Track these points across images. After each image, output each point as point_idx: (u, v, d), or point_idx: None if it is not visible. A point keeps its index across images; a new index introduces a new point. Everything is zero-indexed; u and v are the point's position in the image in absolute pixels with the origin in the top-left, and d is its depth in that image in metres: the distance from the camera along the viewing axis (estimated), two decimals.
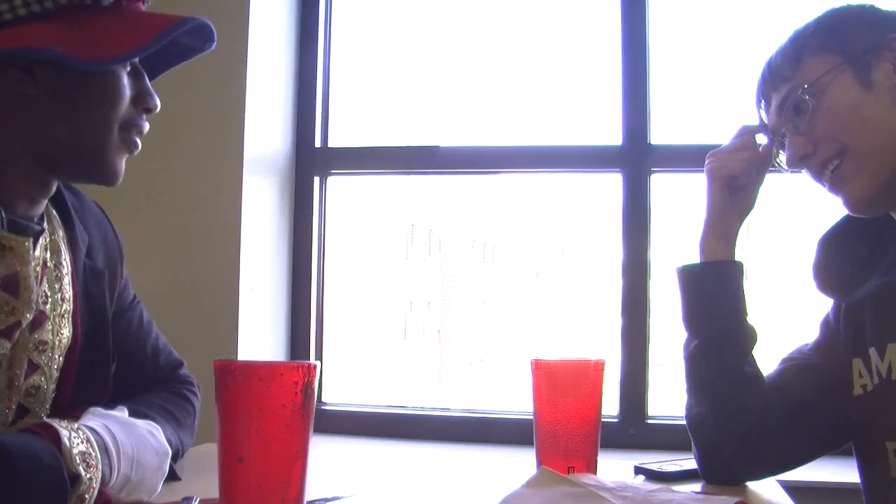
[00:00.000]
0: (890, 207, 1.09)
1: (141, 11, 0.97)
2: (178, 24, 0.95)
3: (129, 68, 0.99)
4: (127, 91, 0.99)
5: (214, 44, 1.04)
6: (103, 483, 0.86)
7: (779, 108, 1.10)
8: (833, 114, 1.05)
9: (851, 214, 1.11)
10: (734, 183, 1.18)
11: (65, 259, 1.05)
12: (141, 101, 1.01)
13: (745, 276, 1.18)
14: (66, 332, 1.04)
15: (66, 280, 1.05)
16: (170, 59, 1.07)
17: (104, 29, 0.92)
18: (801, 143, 1.08)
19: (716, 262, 1.17)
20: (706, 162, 1.20)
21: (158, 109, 1.03)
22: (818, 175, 1.10)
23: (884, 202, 1.08)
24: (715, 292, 1.16)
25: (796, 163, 1.10)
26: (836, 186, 1.08)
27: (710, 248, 1.18)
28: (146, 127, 1.03)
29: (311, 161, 2.17)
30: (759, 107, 1.16)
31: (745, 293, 1.17)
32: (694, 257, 1.20)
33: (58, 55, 0.89)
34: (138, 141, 1.03)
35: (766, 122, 1.15)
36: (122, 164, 1.02)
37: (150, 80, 1.07)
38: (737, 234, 1.19)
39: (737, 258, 1.19)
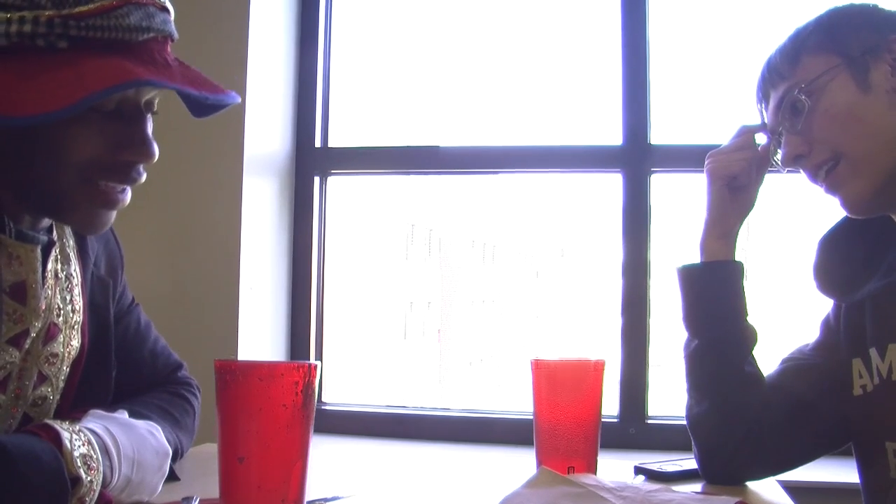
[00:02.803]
0: (888, 209, 1.09)
1: (105, 62, 0.85)
2: (126, 84, 0.85)
3: (109, 112, 0.89)
4: (92, 140, 0.89)
5: (214, 98, 0.93)
6: (104, 485, 0.86)
7: (776, 107, 1.10)
8: (830, 116, 1.05)
9: (849, 216, 1.11)
10: (734, 183, 1.18)
11: (75, 270, 1.05)
12: (123, 151, 0.91)
13: (745, 276, 1.18)
14: (76, 342, 1.04)
15: (77, 291, 1.04)
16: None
17: (47, 80, 0.83)
18: (797, 142, 1.08)
19: (716, 262, 1.17)
20: (706, 162, 1.20)
21: (153, 159, 0.92)
22: (813, 176, 1.10)
23: (881, 204, 1.08)
24: (715, 292, 1.16)
25: (791, 162, 1.10)
26: (832, 188, 1.08)
27: (711, 247, 1.18)
28: (133, 179, 0.93)
29: (311, 161, 2.17)
30: (758, 104, 1.16)
31: (745, 293, 1.17)
32: (694, 257, 1.20)
33: None
34: (118, 196, 0.93)
35: (766, 120, 1.15)
36: (98, 217, 0.93)
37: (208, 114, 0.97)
38: (737, 233, 1.20)
39: (737, 258, 1.19)
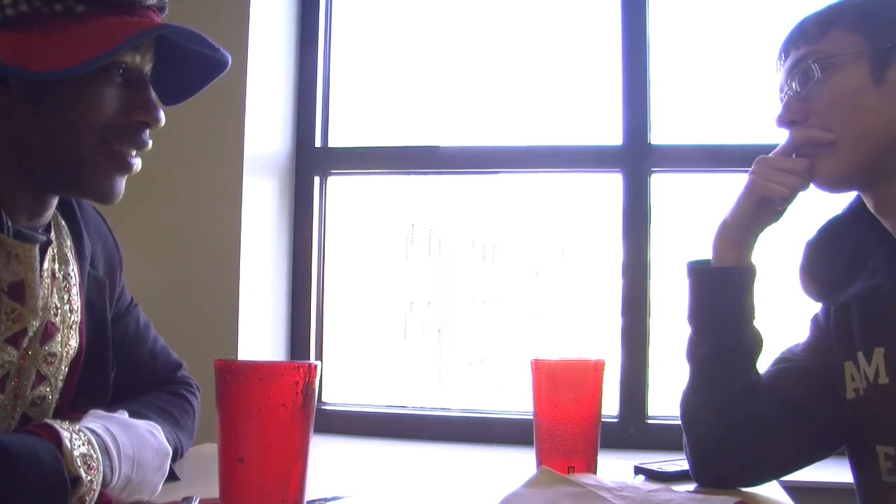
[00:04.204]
0: (857, 188, 1.10)
1: (119, 19, 0.91)
2: (145, 32, 0.91)
3: (119, 78, 0.94)
4: (107, 101, 0.93)
5: (220, 52, 1.00)
6: (104, 484, 0.86)
7: (790, 67, 1.10)
8: (834, 95, 1.05)
9: (818, 189, 1.10)
10: (766, 204, 1.12)
11: (73, 269, 1.05)
12: (135, 113, 0.95)
13: (755, 279, 1.14)
14: (74, 342, 1.04)
15: (75, 290, 1.04)
16: (196, 75, 1.03)
17: (68, 38, 0.88)
18: (797, 108, 1.08)
19: (729, 267, 1.13)
20: (753, 167, 1.13)
21: (161, 124, 0.97)
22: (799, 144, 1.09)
23: (851, 184, 1.09)
24: (725, 298, 1.13)
25: (784, 124, 1.10)
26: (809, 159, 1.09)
27: (724, 251, 1.14)
28: (143, 142, 0.97)
29: (311, 161, 2.17)
30: (778, 59, 1.14)
31: (755, 298, 1.14)
32: (705, 254, 1.16)
33: (0, 65, 0.86)
34: (131, 160, 0.97)
35: (778, 74, 1.13)
36: (114, 183, 0.96)
37: (185, 98, 1.04)
38: (755, 240, 1.15)
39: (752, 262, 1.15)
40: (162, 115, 0.97)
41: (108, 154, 0.95)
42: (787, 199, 1.11)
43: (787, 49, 1.12)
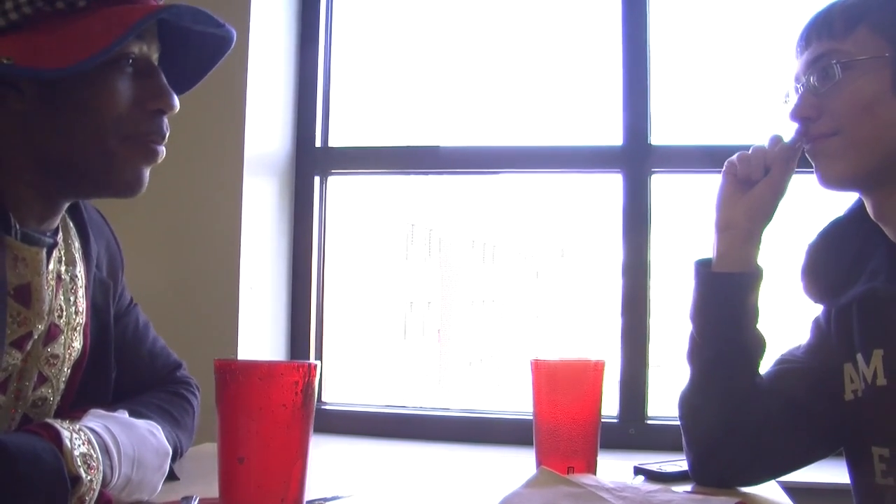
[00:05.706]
0: (858, 189, 1.10)
1: (121, 8, 0.91)
2: (150, 15, 0.91)
3: (129, 69, 0.94)
4: (122, 94, 0.93)
5: (226, 28, 0.99)
6: (104, 484, 0.85)
7: (810, 62, 1.08)
8: (851, 98, 1.04)
9: (821, 187, 1.10)
10: (743, 180, 1.14)
11: (80, 271, 1.04)
12: (150, 101, 0.95)
13: (761, 283, 1.14)
14: (77, 344, 1.04)
15: (81, 293, 1.04)
16: (202, 58, 1.03)
17: (74, 32, 0.88)
18: (812, 103, 1.07)
19: (736, 272, 1.13)
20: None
21: (176, 109, 0.96)
22: (808, 138, 1.09)
23: (856, 186, 1.10)
24: (733, 302, 1.12)
25: (797, 119, 1.09)
26: (817, 155, 1.09)
27: (722, 253, 1.14)
28: (163, 130, 0.96)
29: (311, 161, 2.17)
30: (799, 43, 1.12)
31: (759, 301, 1.14)
32: (710, 257, 1.17)
33: (12, 68, 0.86)
34: (157, 148, 0.96)
35: (797, 61, 1.12)
36: (140, 173, 0.96)
37: (194, 84, 1.04)
38: (755, 238, 1.14)
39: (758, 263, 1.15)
40: (176, 100, 0.97)
41: (132, 146, 0.94)
42: (746, 161, 1.14)
43: (808, 37, 1.09)
